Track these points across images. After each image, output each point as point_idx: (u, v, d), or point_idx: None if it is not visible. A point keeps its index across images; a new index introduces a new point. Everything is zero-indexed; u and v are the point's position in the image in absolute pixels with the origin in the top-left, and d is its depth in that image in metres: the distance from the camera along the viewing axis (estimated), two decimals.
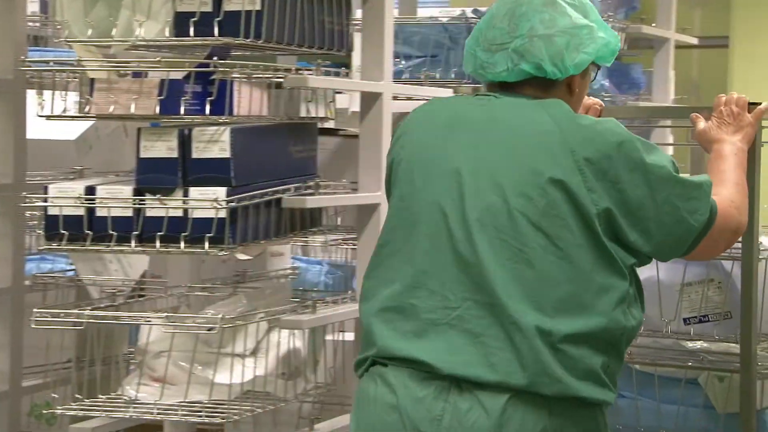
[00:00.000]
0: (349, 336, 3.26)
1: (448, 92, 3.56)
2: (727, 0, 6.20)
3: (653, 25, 4.34)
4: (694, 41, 4.80)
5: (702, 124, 2.64)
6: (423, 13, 4.39)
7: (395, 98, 3.26)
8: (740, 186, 2.42)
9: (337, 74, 3.11)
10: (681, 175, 2.27)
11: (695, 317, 3.04)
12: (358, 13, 3.33)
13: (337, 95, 3.45)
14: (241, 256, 3.15)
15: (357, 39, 3.36)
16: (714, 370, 2.99)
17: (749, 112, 2.61)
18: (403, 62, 4.07)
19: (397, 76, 3.99)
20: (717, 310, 3.02)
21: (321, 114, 3.21)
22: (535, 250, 2.20)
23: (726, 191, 2.36)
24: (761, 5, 6.10)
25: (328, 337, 3.27)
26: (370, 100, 3.14)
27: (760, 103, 2.21)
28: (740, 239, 2.50)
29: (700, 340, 3.00)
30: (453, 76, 4.10)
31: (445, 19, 4.13)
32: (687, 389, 3.05)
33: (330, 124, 3.54)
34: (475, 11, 4.14)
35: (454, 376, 2.18)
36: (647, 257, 2.27)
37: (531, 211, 2.21)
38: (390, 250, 2.31)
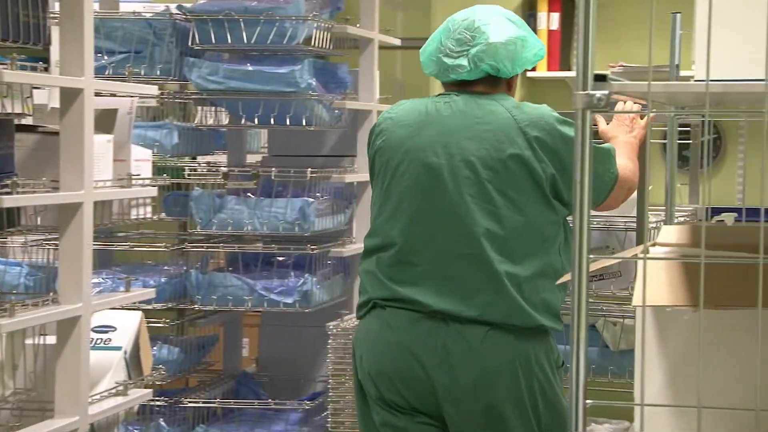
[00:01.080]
0: (51, 339, 3.14)
1: (152, 89, 3.49)
2: (428, 3, 6.36)
3: (357, 25, 4.39)
4: (397, 42, 4.89)
5: (603, 124, 3.31)
6: (125, 7, 4.28)
7: (98, 94, 3.16)
8: (632, 161, 3.12)
9: (34, 69, 2.99)
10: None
11: (595, 276, 3.75)
12: (57, 6, 3.21)
13: (36, 91, 3.31)
14: None
15: (56, 33, 3.23)
16: (608, 317, 3.93)
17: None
18: (105, 58, 3.96)
19: (100, 72, 3.87)
20: (611, 270, 3.73)
21: (18, 110, 3.08)
22: (502, 210, 2.89)
23: (622, 161, 3.05)
24: (458, 9, 6.28)
25: (28, 341, 3.14)
26: (70, 96, 3.03)
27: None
28: (635, 216, 3.48)
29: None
30: (158, 72, 4.02)
31: (148, 15, 4.05)
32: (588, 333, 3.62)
33: (28, 121, 3.40)
34: (179, 7, 4.08)
35: (443, 313, 2.86)
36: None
37: (496, 180, 2.90)
38: (383, 219, 2.99)
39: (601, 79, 1.80)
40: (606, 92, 1.76)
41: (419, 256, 2.93)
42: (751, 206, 5.74)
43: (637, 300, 1.88)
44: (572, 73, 5.91)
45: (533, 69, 6.23)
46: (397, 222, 2.97)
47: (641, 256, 1.85)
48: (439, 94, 3.07)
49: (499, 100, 3.00)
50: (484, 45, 2.98)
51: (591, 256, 1.80)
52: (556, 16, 6.11)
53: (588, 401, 1.78)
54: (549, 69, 6.16)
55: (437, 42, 3.08)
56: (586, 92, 1.77)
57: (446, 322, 2.87)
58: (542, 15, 6.13)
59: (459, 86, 3.03)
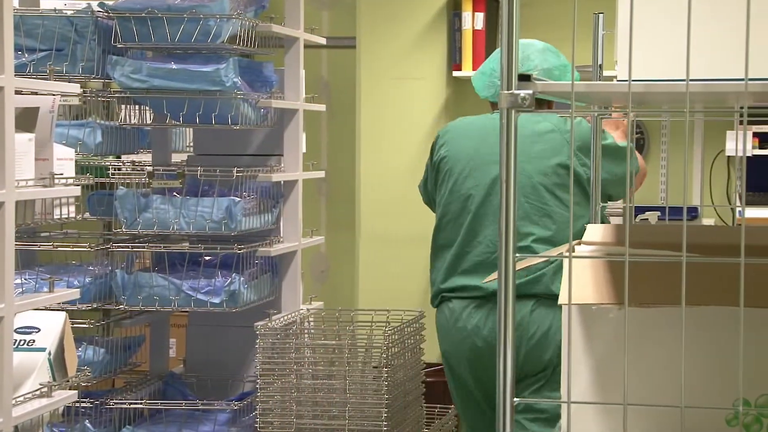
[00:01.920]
0: None
1: (75, 87, 3.45)
2: (353, 2, 6.36)
3: (283, 24, 4.38)
4: (323, 41, 4.88)
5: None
6: (46, 5, 4.23)
7: (19, 93, 3.11)
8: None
9: None
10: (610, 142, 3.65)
11: None
12: None
13: None
14: None
15: None
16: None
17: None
18: (26, 55, 3.91)
19: (21, 70, 3.82)
20: None
21: None
22: (552, 208, 3.64)
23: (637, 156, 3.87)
24: (384, 8, 6.30)
25: None
26: None
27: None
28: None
29: None
30: (81, 70, 3.98)
31: (69, 12, 4.00)
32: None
33: None
34: (101, 5, 4.04)
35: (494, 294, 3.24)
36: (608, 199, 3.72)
37: (546, 183, 3.66)
38: (449, 219, 3.76)
39: (525, 78, 1.81)
40: (530, 92, 1.78)
41: (477, 249, 3.71)
42: (674, 205, 5.82)
43: (563, 298, 1.89)
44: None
45: (458, 69, 6.27)
46: (460, 220, 3.73)
47: (567, 254, 1.87)
48: (494, 112, 3.77)
49: (546, 117, 3.73)
50: (533, 71, 3.74)
51: (517, 255, 1.81)
52: (480, 16, 6.14)
53: (515, 399, 1.79)
54: (474, 68, 6.19)
55: (491, 70, 3.84)
56: (511, 92, 1.78)
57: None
58: (467, 15, 6.15)
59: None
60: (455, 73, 6.27)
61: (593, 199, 2.85)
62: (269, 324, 3.94)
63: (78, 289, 3.52)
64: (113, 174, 4.22)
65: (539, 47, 3.83)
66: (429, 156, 3.96)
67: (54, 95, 3.38)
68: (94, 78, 4.09)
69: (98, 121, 4.20)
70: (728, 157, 6.00)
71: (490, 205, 3.69)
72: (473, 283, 3.69)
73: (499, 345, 1.79)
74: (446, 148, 3.82)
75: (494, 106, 3.82)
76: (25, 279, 3.85)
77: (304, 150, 4.52)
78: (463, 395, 3.89)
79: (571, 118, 1.86)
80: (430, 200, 4.01)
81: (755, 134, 5.56)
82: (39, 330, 3.31)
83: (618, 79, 1.97)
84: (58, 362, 3.31)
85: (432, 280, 3.84)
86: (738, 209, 5.23)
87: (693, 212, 5.77)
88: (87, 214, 4.37)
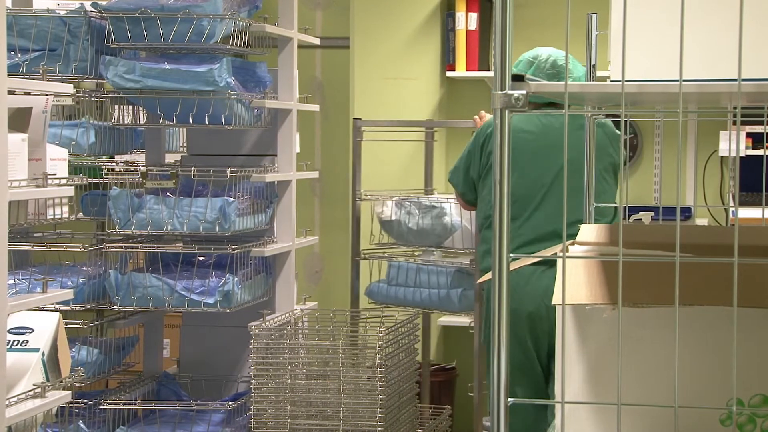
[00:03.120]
0: None
1: (68, 87, 3.44)
2: (347, 2, 6.36)
3: (276, 24, 4.38)
4: (316, 41, 4.88)
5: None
6: (39, 5, 4.22)
7: (12, 93, 3.11)
8: None
9: None
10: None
11: None
12: None
13: None
14: None
15: None
16: None
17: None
18: (19, 56, 3.91)
19: (14, 70, 3.82)
20: None
21: None
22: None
23: None
24: (377, 8, 6.30)
25: None
26: None
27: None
28: None
29: None
30: (74, 70, 3.97)
31: (62, 12, 4.00)
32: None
33: None
34: (94, 5, 4.04)
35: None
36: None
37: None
38: (515, 199, 4.14)
39: (518, 79, 1.81)
40: (524, 92, 1.78)
41: (542, 222, 4.28)
42: (667, 205, 5.82)
43: (557, 298, 1.89)
44: (490, 73, 5.96)
45: (452, 69, 6.27)
46: (529, 198, 4.29)
47: (561, 254, 1.87)
48: (534, 111, 4.15)
49: (576, 118, 4.05)
50: (562, 77, 4.32)
51: (512, 255, 1.81)
52: (474, 17, 6.14)
53: (509, 399, 1.79)
54: (468, 69, 6.19)
55: (532, 70, 4.36)
56: (504, 92, 1.78)
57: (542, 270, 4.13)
58: (460, 15, 6.15)
59: (546, 105, 4.24)
60: (449, 73, 6.27)
61: (586, 198, 2.84)
62: (263, 324, 3.94)
63: (71, 290, 3.52)
64: (107, 174, 4.21)
65: (563, 56, 4.39)
66: (478, 147, 4.42)
67: (47, 95, 3.37)
68: (87, 78, 4.09)
69: (91, 121, 4.19)
70: (721, 157, 6.00)
71: (555, 189, 4.32)
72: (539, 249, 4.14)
73: (494, 344, 1.79)
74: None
75: (536, 105, 4.25)
76: (19, 279, 3.84)
77: (297, 150, 4.52)
78: (519, 353, 4.15)
79: (565, 118, 1.86)
80: (469, 186, 4.49)
81: (748, 134, 5.57)
82: (32, 330, 3.30)
83: (611, 79, 1.97)
84: (51, 363, 3.30)
85: (489, 250, 4.28)
86: (731, 209, 5.23)
87: (686, 212, 5.77)
88: (80, 215, 4.37)
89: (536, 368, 4.17)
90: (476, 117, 4.88)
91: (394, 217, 5.08)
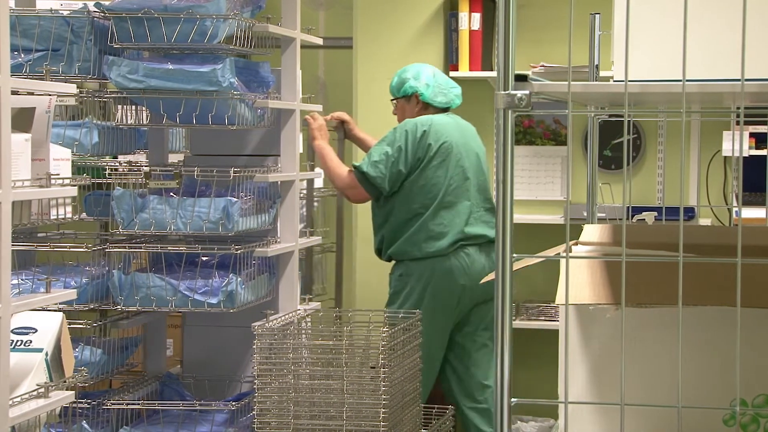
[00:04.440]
0: None
1: (71, 87, 3.44)
2: (350, 2, 6.36)
3: (279, 24, 4.38)
4: (320, 41, 4.88)
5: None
6: (42, 5, 4.22)
7: (15, 93, 3.11)
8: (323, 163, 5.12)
9: None
10: None
11: None
12: None
13: None
14: None
15: None
16: None
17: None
18: (22, 56, 3.91)
19: (17, 71, 3.82)
20: None
21: None
22: (489, 182, 5.21)
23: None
24: (380, 8, 6.30)
25: None
26: None
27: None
28: None
29: None
30: (77, 71, 3.98)
31: (66, 12, 4.00)
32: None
33: None
34: (97, 5, 4.04)
35: (490, 241, 5.05)
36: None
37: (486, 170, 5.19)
38: (454, 187, 5.02)
39: (522, 79, 1.81)
40: (527, 92, 1.78)
41: (471, 208, 5.05)
42: (670, 205, 5.82)
43: (560, 298, 1.89)
44: (493, 74, 5.95)
45: (455, 69, 6.27)
46: (463, 188, 5.04)
47: (564, 255, 1.87)
48: (440, 114, 5.18)
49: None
50: (456, 90, 5.26)
51: (515, 255, 1.81)
52: (477, 17, 6.14)
53: (513, 399, 1.79)
54: (470, 69, 6.19)
55: (432, 85, 5.21)
56: (507, 92, 1.78)
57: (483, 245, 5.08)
58: (463, 15, 6.15)
59: (444, 110, 5.20)
60: (452, 74, 6.27)
61: (590, 198, 2.84)
62: (267, 324, 3.94)
63: (75, 290, 3.52)
64: (110, 174, 4.21)
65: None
66: (413, 143, 4.98)
67: (50, 95, 3.37)
68: (90, 78, 4.09)
69: (95, 121, 4.20)
70: (725, 157, 6.00)
71: (476, 179, 5.11)
72: (481, 232, 5.04)
73: (497, 344, 1.79)
74: (443, 138, 5.04)
75: (444, 110, 5.20)
76: (22, 279, 3.85)
77: (300, 150, 4.52)
78: (443, 317, 4.93)
79: (569, 118, 1.86)
80: (393, 181, 4.98)
81: (752, 134, 5.56)
82: (36, 331, 3.30)
83: (615, 79, 1.97)
84: (55, 363, 3.31)
85: (442, 232, 4.97)
86: (734, 209, 5.23)
87: (690, 212, 5.77)
88: (84, 215, 4.37)
89: (448, 328, 4.97)
90: (308, 117, 5.06)
91: None
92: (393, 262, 5.12)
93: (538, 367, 5.44)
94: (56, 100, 3.47)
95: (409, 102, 5.23)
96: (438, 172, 5.03)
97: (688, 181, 6.04)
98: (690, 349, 1.91)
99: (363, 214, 6.42)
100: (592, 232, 2.22)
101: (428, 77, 5.25)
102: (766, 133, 5.58)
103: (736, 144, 4.98)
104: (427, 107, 5.22)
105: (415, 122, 5.06)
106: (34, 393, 3.18)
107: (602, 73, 3.10)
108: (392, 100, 5.32)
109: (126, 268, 4.15)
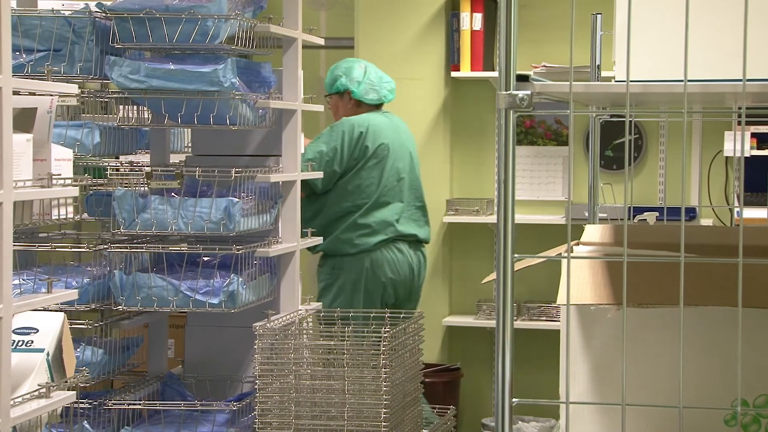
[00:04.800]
0: None
1: (73, 87, 3.44)
2: (351, 3, 6.36)
3: (281, 24, 4.37)
4: (321, 42, 4.88)
5: None
6: (44, 5, 4.22)
7: (16, 93, 3.11)
8: None
9: None
10: None
11: None
12: None
13: None
14: None
15: None
16: None
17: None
18: (23, 56, 3.91)
19: (18, 71, 3.82)
20: None
21: None
22: (420, 180, 5.49)
23: None
24: (382, 9, 6.30)
25: None
26: None
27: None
28: None
29: None
30: (78, 71, 3.98)
31: (67, 13, 4.00)
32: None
33: None
34: (99, 5, 4.04)
35: (418, 240, 5.42)
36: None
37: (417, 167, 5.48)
38: (389, 187, 5.24)
39: (523, 79, 1.81)
40: (528, 92, 1.78)
41: (405, 207, 5.31)
42: (672, 205, 5.82)
43: (561, 298, 1.89)
44: (495, 74, 5.96)
45: (456, 69, 6.26)
46: (397, 188, 5.26)
47: (565, 255, 1.86)
48: (376, 113, 5.30)
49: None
50: (390, 85, 5.41)
51: (516, 255, 1.81)
52: (478, 17, 6.14)
53: (514, 399, 1.79)
54: (472, 69, 6.19)
55: (363, 82, 5.33)
56: (509, 92, 1.78)
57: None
58: (465, 15, 6.15)
59: (378, 106, 5.36)
60: (453, 74, 6.27)
61: (591, 199, 2.85)
62: (268, 324, 3.94)
63: (76, 290, 3.52)
64: (111, 174, 4.21)
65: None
66: (349, 144, 5.16)
67: (52, 96, 3.37)
68: (92, 78, 4.09)
69: (96, 121, 4.20)
70: (726, 157, 6.00)
71: (408, 179, 5.30)
72: (413, 231, 5.31)
73: (498, 345, 1.79)
74: (381, 140, 5.23)
75: (377, 107, 5.37)
76: (24, 280, 3.85)
77: (302, 150, 4.52)
78: (376, 298, 5.24)
79: (570, 118, 1.86)
80: (328, 180, 5.15)
81: (753, 134, 5.57)
82: (37, 331, 3.30)
83: (616, 79, 1.97)
84: (56, 363, 3.31)
85: (374, 230, 5.18)
86: (736, 209, 5.23)
87: (691, 213, 5.77)
88: (85, 215, 4.37)
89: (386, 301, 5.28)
90: None
91: None
92: (321, 254, 5.33)
93: (539, 367, 5.45)
94: (58, 101, 3.47)
95: (342, 98, 5.36)
96: (373, 173, 5.18)
97: (690, 181, 6.04)
98: (691, 350, 1.91)
99: None
100: (594, 233, 2.22)
101: (359, 74, 5.33)
102: (767, 134, 5.58)
103: (738, 144, 4.98)
104: (360, 104, 5.35)
105: (353, 123, 5.16)
106: (36, 393, 3.18)
107: (604, 74, 3.10)
108: (326, 96, 5.43)
109: (127, 268, 4.15)
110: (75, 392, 3.33)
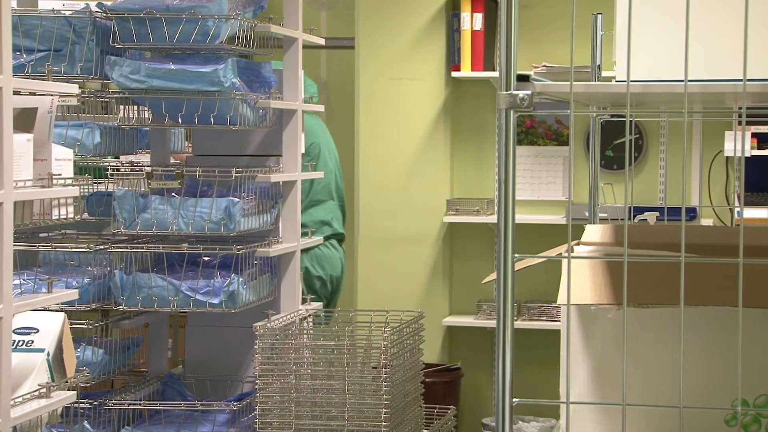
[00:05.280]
0: None
1: (73, 87, 3.45)
2: (352, 3, 6.36)
3: (281, 24, 4.37)
4: (322, 42, 4.88)
5: None
6: (44, 5, 4.22)
7: (17, 93, 3.11)
8: None
9: None
10: None
11: None
12: None
13: None
14: None
15: None
16: None
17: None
18: (24, 56, 3.91)
19: (19, 71, 3.82)
20: None
21: None
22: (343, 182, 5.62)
23: None
24: (382, 9, 6.30)
25: None
26: None
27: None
28: None
29: None
30: (79, 71, 3.98)
31: (68, 13, 4.00)
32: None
33: None
34: (99, 5, 4.04)
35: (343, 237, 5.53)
36: None
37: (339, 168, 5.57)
38: (323, 186, 5.40)
39: (524, 79, 1.81)
40: (529, 92, 1.78)
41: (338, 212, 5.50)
42: (672, 205, 5.82)
43: (561, 298, 1.89)
44: (495, 74, 5.96)
45: (457, 69, 6.26)
46: (328, 188, 5.43)
47: (566, 255, 1.86)
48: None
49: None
50: (312, 88, 5.42)
51: (516, 255, 1.81)
52: (479, 17, 6.14)
53: (514, 399, 1.79)
54: (473, 69, 6.19)
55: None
56: (510, 92, 1.78)
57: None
58: (465, 15, 6.15)
59: None
60: (454, 74, 6.27)
61: (592, 198, 2.85)
62: (268, 324, 3.94)
63: (76, 290, 3.52)
64: (112, 174, 4.21)
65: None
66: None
67: (52, 96, 3.37)
68: (92, 78, 4.09)
69: (96, 121, 4.20)
70: (727, 157, 6.00)
71: (335, 178, 5.47)
72: (341, 230, 5.55)
73: (498, 345, 1.79)
74: (312, 139, 5.38)
75: None
76: (24, 280, 3.85)
77: (302, 150, 4.52)
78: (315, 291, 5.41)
79: (570, 118, 1.86)
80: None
81: (754, 134, 5.57)
82: (37, 331, 3.31)
83: (616, 79, 1.97)
84: (56, 363, 3.31)
85: (312, 230, 5.16)
86: (736, 209, 5.23)
87: (692, 213, 5.77)
88: (86, 215, 4.37)
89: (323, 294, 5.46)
90: None
91: None
92: None
93: (540, 367, 5.45)
94: (58, 101, 3.47)
95: None
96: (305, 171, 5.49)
97: (690, 181, 6.04)
98: (691, 350, 1.91)
99: (363, 213, 6.43)
100: (594, 232, 2.22)
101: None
102: (767, 134, 5.58)
103: (738, 144, 4.97)
104: None
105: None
106: (36, 393, 3.18)
107: (604, 74, 3.10)
108: None
109: (128, 268, 4.15)
110: (75, 392, 3.33)
